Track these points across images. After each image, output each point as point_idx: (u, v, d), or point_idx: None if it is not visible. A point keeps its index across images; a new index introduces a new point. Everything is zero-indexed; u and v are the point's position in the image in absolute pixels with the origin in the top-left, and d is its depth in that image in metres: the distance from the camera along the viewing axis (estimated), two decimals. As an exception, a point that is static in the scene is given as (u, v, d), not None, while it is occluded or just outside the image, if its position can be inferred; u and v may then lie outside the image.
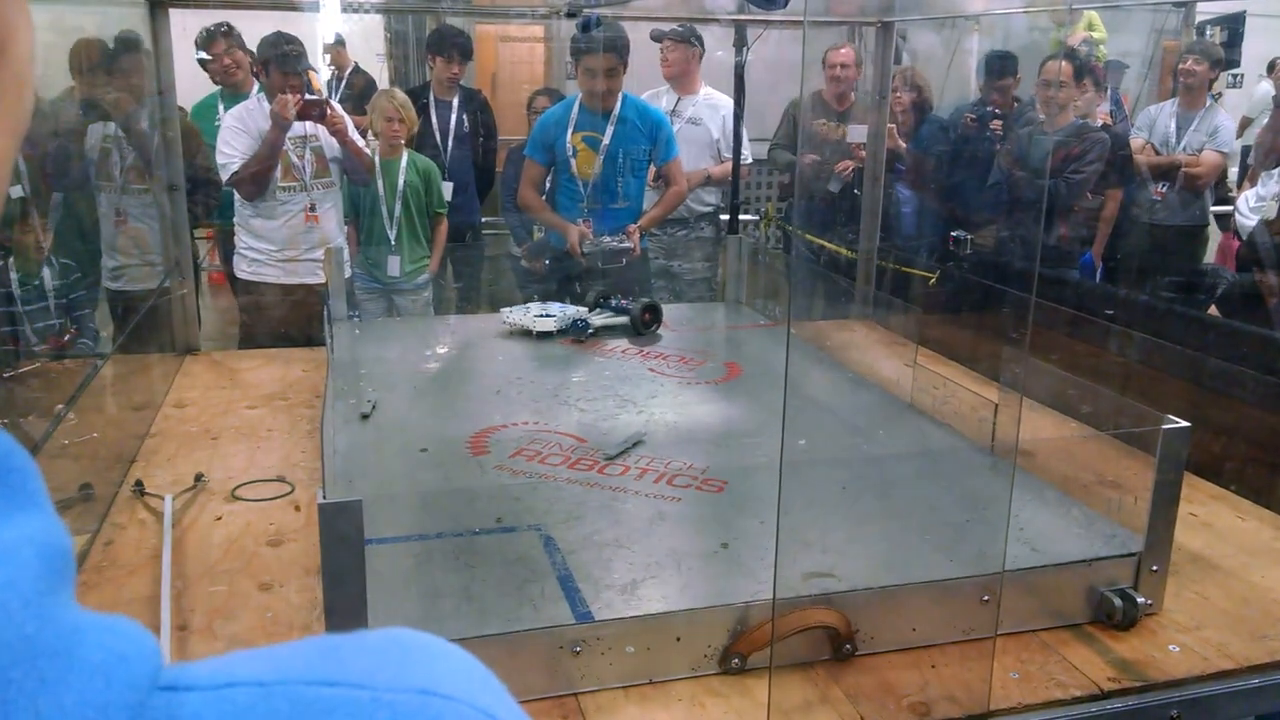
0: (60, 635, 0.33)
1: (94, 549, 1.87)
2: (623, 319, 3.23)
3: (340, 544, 1.27)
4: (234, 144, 3.67)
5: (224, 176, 3.71)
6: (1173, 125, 4.87)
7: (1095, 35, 5.79)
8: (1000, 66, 4.79)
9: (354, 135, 3.83)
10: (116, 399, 2.52)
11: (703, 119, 4.64)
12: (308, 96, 3.67)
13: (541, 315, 3.14)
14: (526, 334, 3.13)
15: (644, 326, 3.21)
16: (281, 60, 3.64)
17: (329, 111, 3.70)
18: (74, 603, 0.35)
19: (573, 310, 3.22)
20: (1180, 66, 4.89)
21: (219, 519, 2.00)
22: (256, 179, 3.68)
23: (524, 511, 1.93)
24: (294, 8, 4.08)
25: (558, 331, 3.13)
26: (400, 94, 4.23)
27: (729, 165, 4.32)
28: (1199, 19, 6.08)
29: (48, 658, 0.32)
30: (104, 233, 3.87)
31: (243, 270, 3.88)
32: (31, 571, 0.33)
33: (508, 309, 3.24)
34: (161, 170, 3.08)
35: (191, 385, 2.82)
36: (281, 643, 0.39)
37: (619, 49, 3.80)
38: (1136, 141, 4.92)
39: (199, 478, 2.14)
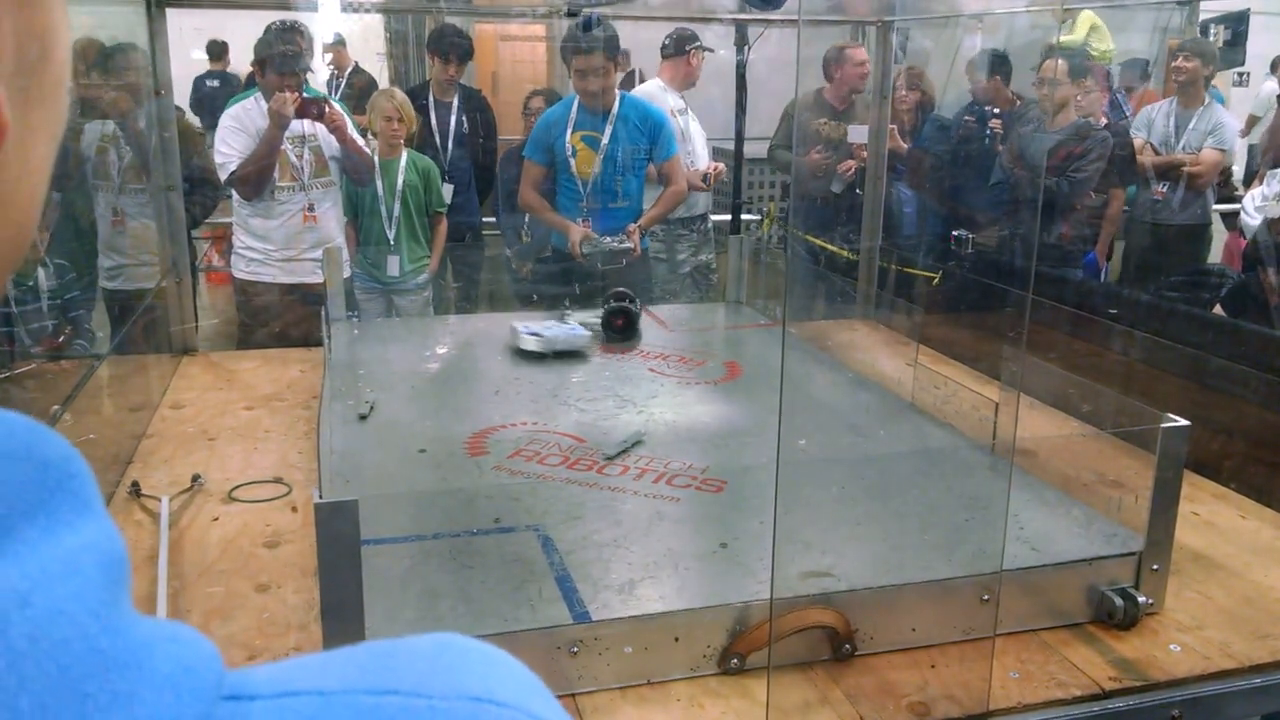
0: (129, 648, 0.33)
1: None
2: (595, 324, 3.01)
3: (337, 544, 1.27)
4: (232, 143, 3.65)
5: (222, 176, 3.69)
6: (1171, 124, 4.85)
7: (1095, 43, 5.76)
8: (998, 65, 4.79)
9: (353, 134, 3.81)
10: (113, 400, 2.51)
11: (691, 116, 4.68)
12: (305, 95, 3.65)
13: (574, 330, 2.97)
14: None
15: (614, 333, 2.98)
16: (279, 60, 3.62)
17: (328, 110, 3.68)
18: (134, 611, 0.35)
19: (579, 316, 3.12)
20: (1172, 64, 4.87)
21: (216, 520, 1.99)
22: (255, 178, 3.66)
23: (522, 512, 1.92)
24: (293, 8, 4.08)
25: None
26: (399, 93, 4.23)
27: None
28: (1202, 17, 6.07)
29: (119, 671, 0.32)
30: (101, 232, 3.86)
31: (241, 270, 3.87)
32: (96, 582, 0.33)
33: (525, 327, 2.97)
34: (159, 170, 3.07)
35: (189, 386, 2.81)
36: (335, 649, 0.39)
37: (609, 48, 3.79)
38: (1135, 141, 4.90)
39: (196, 479, 2.13)
